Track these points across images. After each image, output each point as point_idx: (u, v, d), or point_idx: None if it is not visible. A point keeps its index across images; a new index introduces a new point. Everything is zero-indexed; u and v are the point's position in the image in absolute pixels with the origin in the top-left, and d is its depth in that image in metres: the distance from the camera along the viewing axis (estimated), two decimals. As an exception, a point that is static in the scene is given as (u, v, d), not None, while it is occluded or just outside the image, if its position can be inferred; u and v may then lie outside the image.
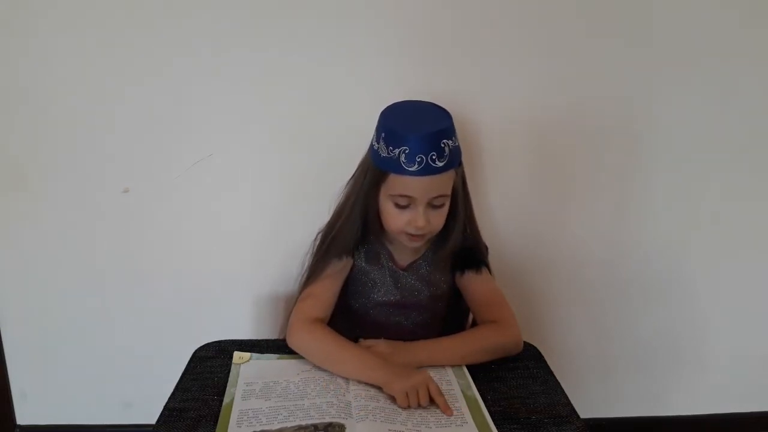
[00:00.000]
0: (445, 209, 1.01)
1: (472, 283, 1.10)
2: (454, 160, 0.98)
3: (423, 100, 1.04)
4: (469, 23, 1.28)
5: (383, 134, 0.97)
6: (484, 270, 1.11)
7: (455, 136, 0.98)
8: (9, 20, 1.24)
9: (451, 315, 1.18)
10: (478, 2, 1.27)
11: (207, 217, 1.40)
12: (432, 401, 0.87)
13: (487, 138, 1.36)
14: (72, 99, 1.30)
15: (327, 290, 1.06)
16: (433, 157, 0.93)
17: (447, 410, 0.86)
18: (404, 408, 0.86)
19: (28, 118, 1.32)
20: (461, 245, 1.09)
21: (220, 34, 1.26)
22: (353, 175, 1.06)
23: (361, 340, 1.00)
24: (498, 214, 1.42)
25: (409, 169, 0.94)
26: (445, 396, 0.89)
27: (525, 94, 1.34)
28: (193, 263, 1.44)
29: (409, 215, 0.98)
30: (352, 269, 1.10)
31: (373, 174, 1.00)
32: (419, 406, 0.86)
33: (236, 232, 1.42)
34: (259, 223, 1.41)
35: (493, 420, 0.85)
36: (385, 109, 1.01)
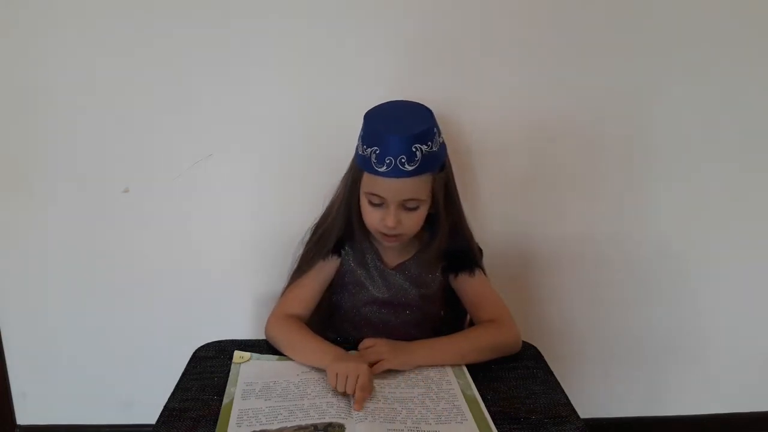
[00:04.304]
0: (421, 212, 1.02)
1: (466, 284, 1.11)
2: (429, 165, 0.97)
3: (412, 100, 1.04)
4: (462, 23, 1.28)
5: (362, 133, 1.00)
6: (478, 271, 1.12)
7: (433, 141, 0.97)
8: (9, 20, 1.24)
9: (449, 316, 1.18)
10: (472, 2, 1.27)
11: (207, 217, 1.40)
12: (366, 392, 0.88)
13: (481, 138, 1.36)
14: (72, 99, 1.30)
15: (308, 289, 1.10)
16: (402, 161, 0.94)
17: (356, 405, 0.85)
18: (332, 388, 0.89)
19: (28, 118, 1.32)
20: (453, 248, 1.10)
21: (219, 35, 1.26)
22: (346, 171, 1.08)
23: (364, 339, 1.00)
24: (493, 215, 1.42)
25: (379, 169, 0.95)
26: (445, 395, 0.89)
27: (520, 95, 1.34)
28: (193, 263, 1.44)
29: (382, 214, 1.00)
30: (340, 268, 1.11)
31: (354, 171, 1.02)
32: (345, 394, 0.88)
33: (236, 232, 1.42)
34: (258, 222, 1.41)
35: (493, 420, 0.85)
36: (370, 109, 1.02)
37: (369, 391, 0.88)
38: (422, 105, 1.02)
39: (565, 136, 1.38)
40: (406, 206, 0.99)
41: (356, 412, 0.84)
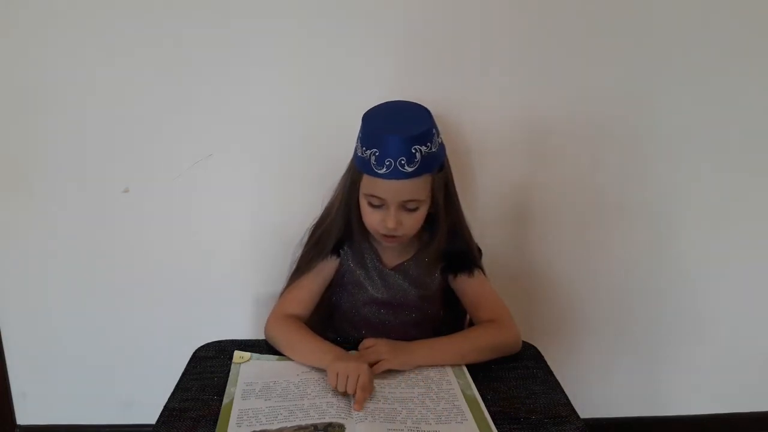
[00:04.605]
0: (421, 213, 1.02)
1: (466, 285, 1.11)
2: (428, 166, 0.98)
3: (410, 101, 1.04)
4: (462, 23, 1.28)
5: (360, 135, 1.00)
6: (477, 272, 1.12)
7: (432, 142, 0.97)
8: (9, 20, 1.24)
9: (448, 316, 1.18)
10: (472, 2, 1.27)
11: (207, 217, 1.40)
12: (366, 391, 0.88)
13: (481, 138, 1.36)
14: (72, 99, 1.30)
15: (308, 289, 1.09)
16: (402, 162, 0.94)
17: (357, 405, 0.85)
18: (333, 388, 0.88)
19: (28, 118, 1.32)
20: (452, 249, 1.10)
21: (219, 35, 1.26)
22: (344, 172, 1.08)
23: (364, 340, 1.00)
24: (492, 215, 1.42)
25: (378, 171, 0.95)
26: (445, 395, 0.89)
27: (520, 95, 1.34)
28: (192, 263, 1.44)
29: (382, 215, 1.00)
30: (339, 268, 1.11)
31: (353, 172, 1.02)
32: (345, 391, 0.87)
33: (236, 231, 1.42)
34: (258, 222, 1.41)
35: (493, 420, 0.85)
36: (368, 110, 1.02)
37: (369, 391, 0.88)
38: (420, 105, 1.02)
39: (565, 137, 1.38)
40: (406, 207, 0.99)
41: (356, 412, 0.84)
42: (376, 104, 1.03)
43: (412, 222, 1.01)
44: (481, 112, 1.34)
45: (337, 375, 0.88)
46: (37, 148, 1.34)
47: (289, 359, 0.99)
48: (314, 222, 1.13)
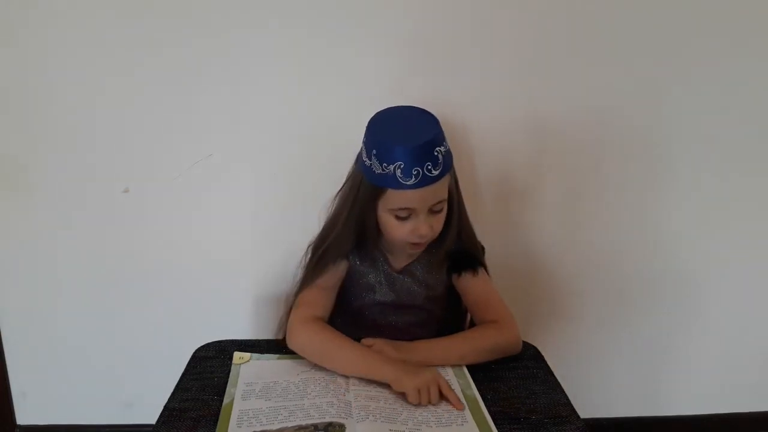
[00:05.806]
0: (444, 212, 1.02)
1: (469, 284, 1.11)
2: (448, 165, 0.98)
3: (408, 105, 1.03)
4: (463, 23, 1.28)
5: (374, 151, 0.96)
6: (481, 271, 1.11)
7: (445, 141, 0.98)
8: (10, 20, 1.24)
9: (450, 316, 1.18)
10: (473, 2, 1.27)
11: (207, 217, 1.40)
12: (442, 397, 0.88)
13: (482, 139, 1.36)
14: (71, 99, 1.30)
15: (323, 295, 1.06)
16: (429, 167, 0.94)
17: (458, 405, 0.87)
18: (415, 405, 0.87)
19: (27, 117, 1.32)
20: (457, 247, 1.09)
21: (219, 35, 1.26)
22: (342, 188, 1.06)
23: (363, 339, 1.00)
24: (493, 216, 1.42)
25: (408, 183, 0.94)
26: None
27: (521, 96, 1.34)
28: (192, 263, 1.44)
29: (412, 225, 0.99)
30: (348, 271, 1.10)
31: (367, 189, 0.99)
32: (429, 403, 0.87)
33: (236, 232, 1.42)
34: (258, 223, 1.41)
35: (493, 420, 0.85)
36: (371, 121, 1.00)
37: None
38: (419, 108, 1.02)
39: (567, 137, 1.38)
40: (432, 210, 0.99)
41: (357, 412, 0.84)
42: (374, 117, 1.01)
43: (439, 222, 1.02)
44: (481, 113, 1.34)
45: (419, 392, 0.87)
46: (37, 148, 1.34)
47: (288, 359, 0.98)
48: (315, 240, 1.10)
